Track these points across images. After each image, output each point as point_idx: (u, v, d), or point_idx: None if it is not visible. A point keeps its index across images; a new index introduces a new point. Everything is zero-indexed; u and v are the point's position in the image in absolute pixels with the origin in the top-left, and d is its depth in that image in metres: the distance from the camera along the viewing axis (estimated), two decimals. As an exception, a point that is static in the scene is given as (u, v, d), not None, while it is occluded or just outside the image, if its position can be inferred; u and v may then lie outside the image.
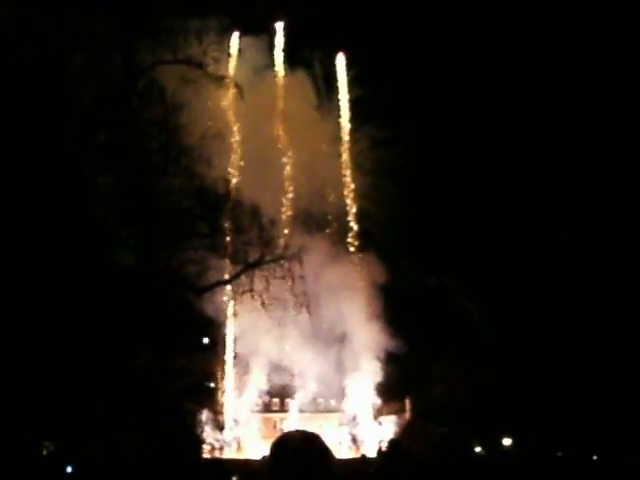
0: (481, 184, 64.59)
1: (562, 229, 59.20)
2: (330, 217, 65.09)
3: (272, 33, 66.80)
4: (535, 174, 62.63)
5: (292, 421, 60.56)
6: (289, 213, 60.59)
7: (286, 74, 66.17)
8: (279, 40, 66.85)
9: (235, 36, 60.77)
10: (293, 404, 62.90)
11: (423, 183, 62.55)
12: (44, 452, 31.64)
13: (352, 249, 66.36)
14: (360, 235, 66.94)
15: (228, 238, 30.14)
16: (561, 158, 61.49)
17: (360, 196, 67.63)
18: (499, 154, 64.23)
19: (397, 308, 63.39)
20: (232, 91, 31.10)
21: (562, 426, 49.09)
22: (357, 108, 68.62)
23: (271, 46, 66.31)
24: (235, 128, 60.05)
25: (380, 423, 62.83)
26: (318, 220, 64.12)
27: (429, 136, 62.14)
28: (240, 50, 60.87)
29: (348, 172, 67.83)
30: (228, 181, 33.10)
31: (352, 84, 68.99)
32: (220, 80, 29.95)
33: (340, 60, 69.74)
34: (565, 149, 61.29)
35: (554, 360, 54.75)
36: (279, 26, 67.53)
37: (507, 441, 57.11)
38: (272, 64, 66.09)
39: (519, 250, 61.46)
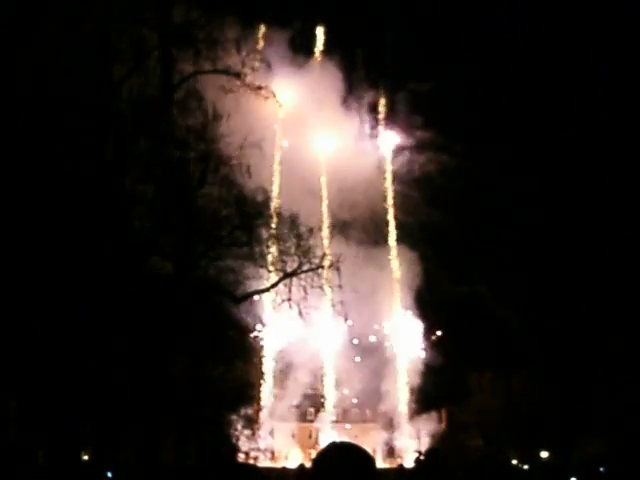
0: (513, 189, 63.82)
1: (603, 233, 58.30)
2: (365, 224, 64.93)
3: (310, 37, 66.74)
4: (575, 180, 61.70)
5: (327, 431, 60.34)
6: (327, 221, 60.51)
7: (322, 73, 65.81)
8: (319, 41, 66.92)
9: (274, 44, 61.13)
10: (328, 414, 62.67)
11: (452, 188, 61.97)
12: (83, 458, 31.87)
13: (389, 256, 66.18)
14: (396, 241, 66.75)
15: (266, 247, 30.16)
16: (606, 162, 60.44)
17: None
18: (538, 157, 63.46)
19: (432, 317, 63.03)
20: (271, 100, 31.13)
21: (605, 440, 48.06)
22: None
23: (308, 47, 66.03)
24: (274, 137, 60.26)
25: (417, 434, 62.36)
26: (354, 227, 63.97)
27: (463, 140, 61.66)
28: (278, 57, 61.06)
29: (387, 182, 67.73)
30: (267, 190, 33.15)
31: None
32: (258, 89, 30.06)
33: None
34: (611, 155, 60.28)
35: (597, 369, 53.68)
36: (319, 31, 67.53)
37: (544, 454, 56.24)
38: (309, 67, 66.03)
39: (556, 255, 60.62)
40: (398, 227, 67.48)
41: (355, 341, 60.80)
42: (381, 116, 68.87)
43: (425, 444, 60.52)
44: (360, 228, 64.00)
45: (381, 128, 68.67)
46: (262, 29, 58.73)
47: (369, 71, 66.80)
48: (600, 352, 53.82)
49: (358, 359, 61.18)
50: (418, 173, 65.49)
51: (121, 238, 28.11)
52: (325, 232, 48.20)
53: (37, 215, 25.15)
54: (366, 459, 4.18)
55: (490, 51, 64.82)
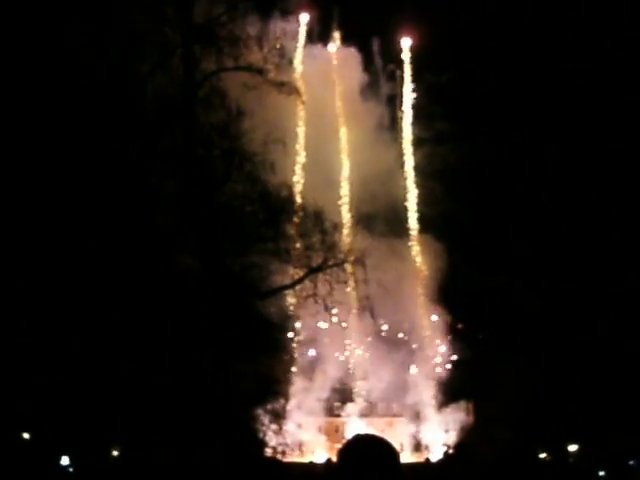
0: (538, 181, 63.21)
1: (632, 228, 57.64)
2: (387, 216, 64.70)
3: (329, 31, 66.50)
4: (603, 176, 61.03)
5: (354, 425, 60.31)
6: (351, 216, 60.41)
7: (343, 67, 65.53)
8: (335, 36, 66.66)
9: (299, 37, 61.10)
10: (355, 408, 62.62)
11: (474, 180, 61.49)
12: (113, 454, 32.20)
13: (413, 249, 65.96)
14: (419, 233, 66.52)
15: (291, 243, 30.22)
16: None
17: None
18: (566, 147, 62.72)
19: (458, 310, 62.70)
20: (294, 96, 31.14)
21: (636, 433, 47.51)
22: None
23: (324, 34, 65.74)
24: (298, 132, 60.24)
25: (445, 427, 62.16)
26: (376, 220, 63.79)
27: (485, 131, 61.08)
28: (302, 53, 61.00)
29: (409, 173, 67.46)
30: (291, 186, 33.19)
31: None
32: (281, 86, 30.08)
33: (405, 46, 68.87)
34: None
35: (628, 362, 53.07)
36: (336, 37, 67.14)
37: (573, 447, 55.83)
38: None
39: (588, 245, 59.98)
40: (420, 220, 67.19)
41: (382, 333, 60.71)
42: (402, 106, 68.54)
43: (452, 437, 60.35)
44: (382, 221, 63.84)
45: (401, 119, 68.38)
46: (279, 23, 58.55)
47: (386, 62, 66.66)
48: (632, 344, 53.28)
49: (385, 353, 61.03)
50: (439, 165, 65.11)
51: (147, 235, 28.33)
52: (349, 226, 48.17)
53: (64, 213, 25.43)
54: (390, 451, 4.20)
55: (513, 40, 64.19)
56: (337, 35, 66.33)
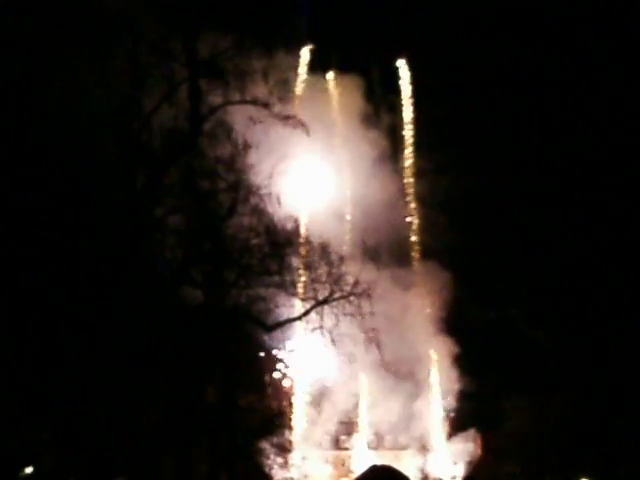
0: (539, 211, 63.24)
1: (636, 252, 57.47)
2: (390, 248, 64.76)
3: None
4: (607, 200, 61.00)
5: (361, 458, 59.85)
6: (357, 248, 60.41)
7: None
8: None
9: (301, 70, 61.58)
10: (361, 441, 62.20)
11: (477, 211, 61.60)
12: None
13: (418, 280, 65.84)
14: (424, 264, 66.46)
15: (297, 275, 30.14)
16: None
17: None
18: (566, 178, 62.84)
19: (463, 342, 62.49)
20: (299, 129, 31.30)
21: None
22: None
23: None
24: (303, 165, 60.55)
25: (452, 460, 61.60)
26: (383, 253, 63.82)
27: (486, 162, 61.30)
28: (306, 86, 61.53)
29: (411, 202, 67.59)
30: (296, 218, 33.21)
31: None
32: (286, 119, 30.21)
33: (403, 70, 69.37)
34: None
35: (637, 393, 52.57)
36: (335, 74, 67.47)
37: (584, 481, 55.14)
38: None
39: (587, 276, 59.77)
40: (425, 251, 67.27)
41: (388, 368, 60.45)
42: (405, 139, 68.91)
43: (460, 470, 59.82)
44: (386, 252, 63.88)
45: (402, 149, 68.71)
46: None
47: (387, 93, 67.15)
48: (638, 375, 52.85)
49: (391, 386, 60.72)
50: (441, 196, 65.27)
51: (152, 268, 28.32)
52: (355, 258, 48.10)
53: (68, 245, 25.46)
54: None
55: (510, 72, 64.71)
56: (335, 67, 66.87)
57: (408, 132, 69.37)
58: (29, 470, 29.36)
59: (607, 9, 60.41)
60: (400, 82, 69.84)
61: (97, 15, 27.06)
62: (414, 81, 69.36)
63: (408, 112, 69.52)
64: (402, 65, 69.66)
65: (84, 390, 25.73)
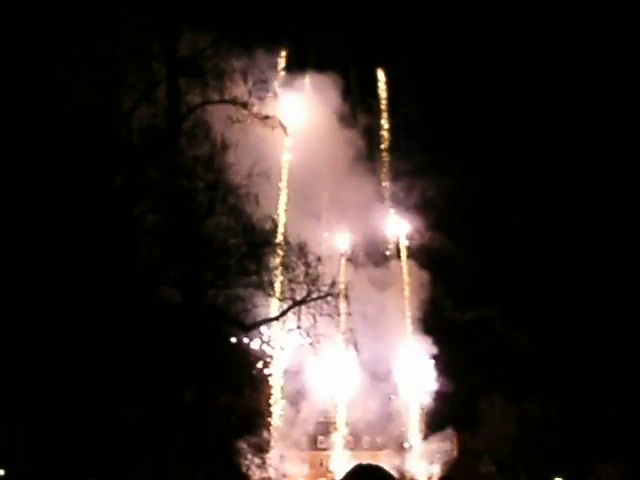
0: (517, 210, 63.64)
1: (614, 251, 58.00)
2: (367, 246, 64.89)
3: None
4: (584, 199, 61.52)
5: (338, 458, 59.91)
6: (335, 249, 60.41)
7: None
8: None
9: (279, 73, 61.43)
10: (339, 442, 62.25)
11: (453, 212, 61.84)
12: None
13: (396, 281, 66.03)
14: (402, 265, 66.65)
15: (275, 275, 30.15)
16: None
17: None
18: (543, 178, 63.37)
19: (440, 342, 62.77)
20: (277, 129, 31.29)
21: (620, 466, 47.36)
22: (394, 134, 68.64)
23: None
24: (282, 165, 60.53)
25: (429, 460, 61.81)
26: (361, 253, 63.96)
27: (463, 162, 61.63)
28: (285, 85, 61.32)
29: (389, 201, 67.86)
30: (274, 219, 33.21)
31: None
32: (265, 119, 30.19)
33: (381, 78, 69.53)
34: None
35: (611, 392, 53.01)
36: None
37: (558, 480, 55.57)
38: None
39: (566, 276, 60.22)
40: (401, 251, 67.51)
41: (366, 367, 60.52)
42: (382, 141, 69.09)
43: (436, 470, 60.03)
44: (364, 253, 64.04)
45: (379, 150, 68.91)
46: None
47: (363, 93, 67.29)
48: (614, 376, 53.31)
49: (369, 386, 60.84)
50: (418, 198, 65.58)
51: (129, 267, 28.19)
52: (332, 258, 48.08)
53: (46, 242, 25.27)
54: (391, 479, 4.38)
55: (489, 71, 65.27)
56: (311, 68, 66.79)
57: (385, 133, 69.57)
58: (1, 472, 29.11)
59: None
60: (378, 85, 70.03)
61: (77, 13, 26.89)
62: (391, 85, 69.61)
63: (385, 114, 69.74)
64: (380, 73, 69.92)
65: (59, 390, 25.54)
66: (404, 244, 67.51)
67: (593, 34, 60.92)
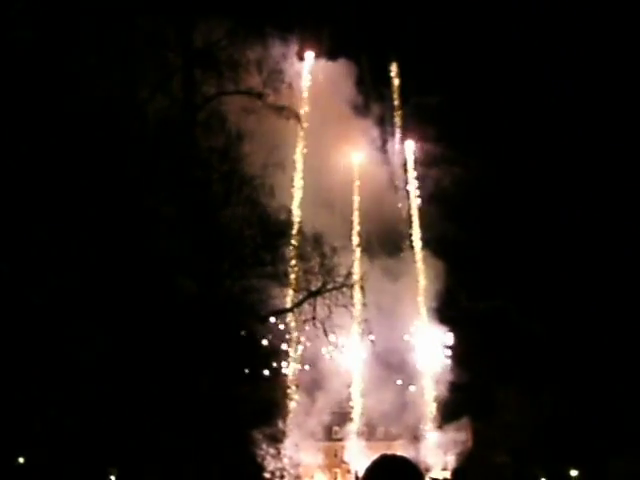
0: (530, 200, 63.30)
1: (629, 242, 57.55)
2: (383, 237, 64.68)
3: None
4: (599, 190, 61.10)
5: (353, 449, 59.94)
6: (352, 240, 60.32)
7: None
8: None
9: (295, 62, 61.11)
10: (354, 432, 62.26)
11: (467, 202, 61.51)
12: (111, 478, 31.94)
13: (411, 271, 65.88)
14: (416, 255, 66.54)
15: (290, 266, 30.18)
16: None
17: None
18: (557, 167, 62.94)
19: (455, 332, 62.65)
20: (293, 120, 31.26)
21: (638, 457, 47.01)
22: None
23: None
24: (297, 156, 60.36)
25: (443, 450, 61.74)
26: (376, 244, 63.77)
27: (477, 152, 61.20)
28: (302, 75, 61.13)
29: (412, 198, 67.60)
30: (290, 209, 33.22)
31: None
32: (280, 110, 30.18)
33: (394, 72, 69.09)
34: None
35: (628, 383, 52.64)
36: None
37: (574, 472, 55.35)
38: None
39: (582, 266, 59.85)
40: (416, 242, 67.30)
41: (381, 358, 60.41)
42: (398, 129, 68.73)
43: (451, 461, 59.96)
44: (379, 244, 63.83)
45: (398, 140, 68.53)
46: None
47: (377, 83, 66.93)
48: (632, 365, 52.98)
49: (384, 376, 60.74)
50: (432, 188, 65.30)
51: (146, 258, 28.26)
52: (348, 249, 48.02)
53: (64, 233, 25.37)
54: (415, 471, 4.27)
55: (500, 61, 64.72)
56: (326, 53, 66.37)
57: (398, 121, 69.11)
58: (21, 460, 29.39)
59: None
60: (391, 74, 69.53)
61: (93, 5, 26.90)
62: (404, 74, 69.06)
63: (398, 103, 69.27)
64: (393, 67, 69.50)
65: (75, 381, 25.69)
66: (417, 234, 67.24)
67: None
